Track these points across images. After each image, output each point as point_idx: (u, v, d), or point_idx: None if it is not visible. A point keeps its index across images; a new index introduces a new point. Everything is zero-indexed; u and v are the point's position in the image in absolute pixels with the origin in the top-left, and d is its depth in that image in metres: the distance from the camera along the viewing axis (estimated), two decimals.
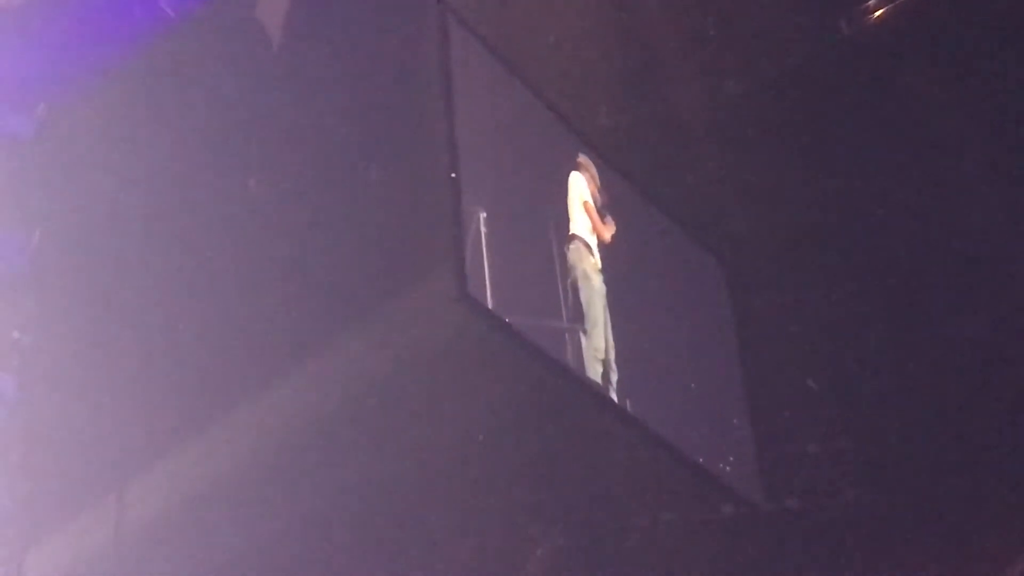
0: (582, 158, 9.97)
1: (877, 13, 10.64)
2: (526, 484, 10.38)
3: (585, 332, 9.21)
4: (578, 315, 9.22)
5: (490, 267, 8.52)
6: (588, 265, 9.53)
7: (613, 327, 9.46)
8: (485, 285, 8.49)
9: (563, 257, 9.41)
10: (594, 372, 9.20)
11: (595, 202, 9.82)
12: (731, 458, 10.22)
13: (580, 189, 9.75)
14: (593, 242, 9.63)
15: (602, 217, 9.78)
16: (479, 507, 10.23)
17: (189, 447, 10.16)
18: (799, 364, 10.64)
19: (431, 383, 10.05)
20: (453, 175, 8.77)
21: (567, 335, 9.11)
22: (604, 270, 9.61)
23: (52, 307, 10.33)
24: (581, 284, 9.37)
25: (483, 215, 8.62)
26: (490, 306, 8.52)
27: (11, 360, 10.27)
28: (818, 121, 10.90)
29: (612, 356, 9.36)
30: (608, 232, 9.75)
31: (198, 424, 10.18)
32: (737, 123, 11.03)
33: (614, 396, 9.34)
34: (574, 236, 9.55)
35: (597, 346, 9.24)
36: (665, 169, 11.02)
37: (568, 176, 9.79)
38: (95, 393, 10.36)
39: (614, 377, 9.33)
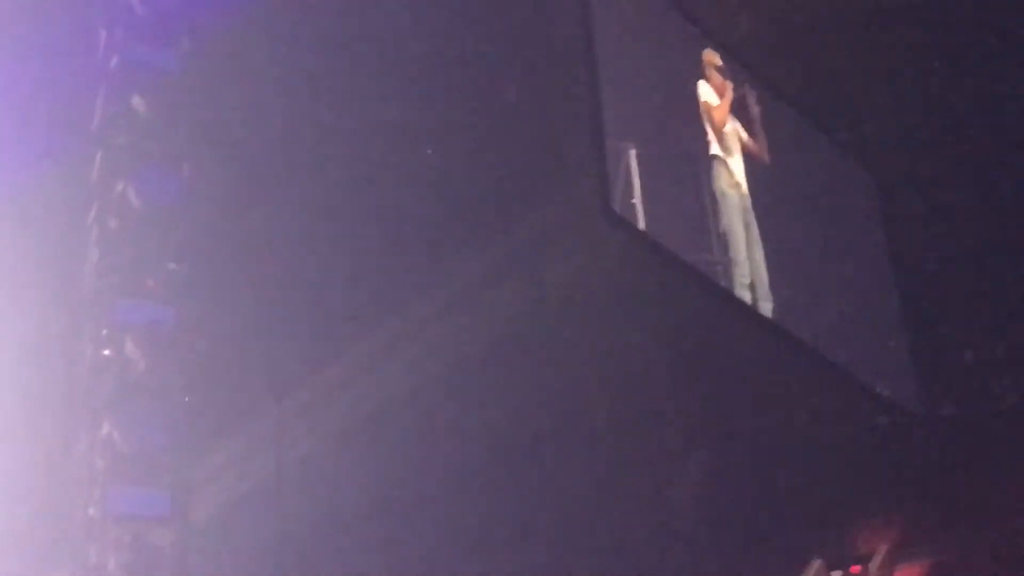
0: (709, 55, 9.73)
1: None
2: (675, 399, 10.35)
3: (732, 260, 9.08)
4: (723, 243, 9.10)
5: (641, 193, 8.42)
6: (725, 184, 9.36)
7: (762, 243, 9.31)
8: (636, 211, 8.41)
9: (706, 178, 9.27)
10: (743, 297, 9.09)
11: (734, 112, 9.62)
12: (886, 368, 10.08)
13: (710, 101, 9.56)
14: (730, 157, 9.45)
15: (744, 128, 9.59)
16: (630, 423, 10.23)
17: (343, 372, 10.30)
18: (953, 274, 10.42)
19: (577, 303, 10.03)
20: (593, 87, 8.65)
21: (719, 268, 9.00)
22: (747, 185, 9.45)
23: (204, 239, 10.50)
24: (721, 207, 9.22)
25: (633, 151, 8.50)
26: (641, 227, 8.44)
27: (168, 291, 10.46)
28: (971, 28, 10.57)
29: (764, 277, 9.23)
30: (746, 144, 9.56)
31: (350, 348, 10.31)
32: (888, 30, 10.74)
33: (765, 313, 9.22)
34: (712, 155, 9.39)
35: (743, 272, 9.12)
36: (811, 78, 10.79)
37: (698, 86, 9.58)
38: (250, 320, 10.54)
39: (764, 295, 9.21)
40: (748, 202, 9.37)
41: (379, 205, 10.48)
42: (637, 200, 8.38)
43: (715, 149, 9.38)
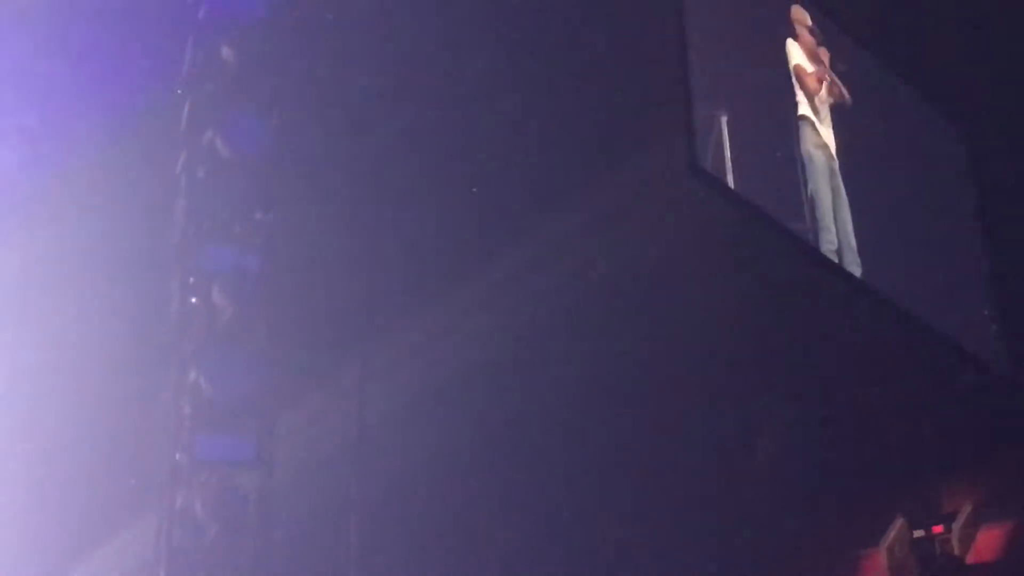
0: (798, 12, 9.66)
1: None
2: (762, 357, 10.34)
3: (819, 224, 9.04)
4: (810, 205, 9.05)
5: (732, 160, 8.40)
6: (812, 145, 9.30)
7: (849, 203, 9.27)
8: (727, 175, 8.39)
9: (795, 140, 9.22)
10: (829, 253, 9.06)
11: (821, 67, 9.54)
12: (973, 327, 10.04)
13: (802, 64, 9.49)
14: (818, 117, 9.38)
15: (828, 82, 9.51)
16: (715, 382, 10.24)
17: (431, 324, 10.33)
18: None
19: (665, 262, 10.02)
20: (682, 44, 8.62)
21: (809, 235, 8.96)
22: (834, 145, 9.39)
23: (291, 188, 10.53)
24: (808, 169, 9.17)
25: (724, 118, 8.48)
26: (731, 185, 8.43)
27: (255, 240, 10.51)
28: None
29: (851, 238, 9.19)
30: (834, 103, 9.49)
31: (438, 300, 10.34)
32: None
33: (853, 272, 9.19)
34: (800, 115, 9.33)
35: (829, 237, 9.08)
36: (901, 34, 10.67)
37: (786, 45, 9.51)
38: (336, 269, 10.58)
39: (851, 259, 9.17)
40: (835, 164, 9.32)
41: (470, 158, 10.48)
42: (728, 165, 8.37)
43: (803, 109, 9.33)
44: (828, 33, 9.79)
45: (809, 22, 9.65)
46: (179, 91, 10.43)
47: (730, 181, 8.38)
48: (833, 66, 9.63)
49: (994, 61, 10.49)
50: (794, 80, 9.43)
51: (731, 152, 8.37)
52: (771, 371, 10.37)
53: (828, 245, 9.08)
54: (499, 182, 10.54)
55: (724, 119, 8.45)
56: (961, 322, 10.09)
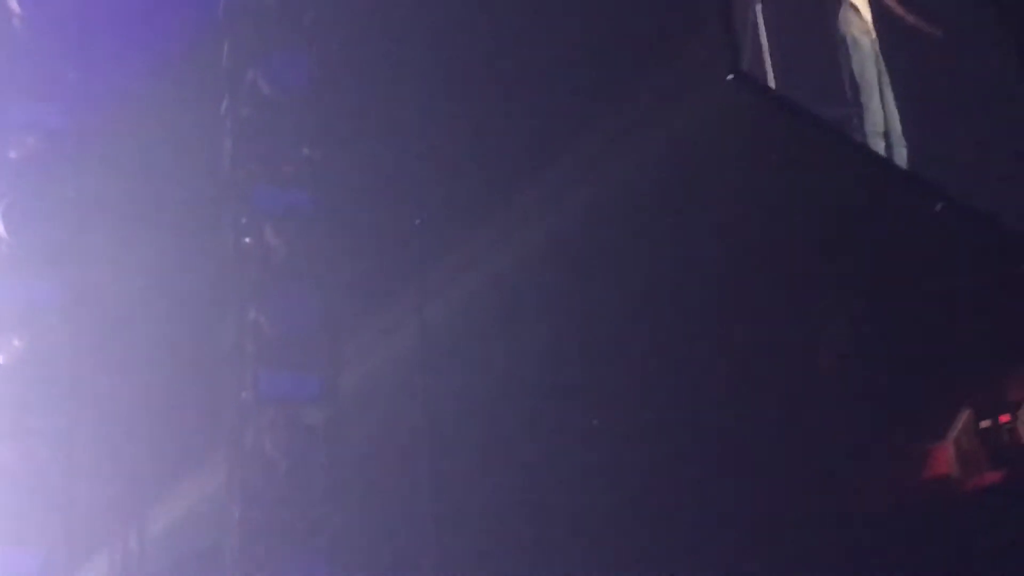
0: None
1: None
2: (814, 257, 10.27)
3: (864, 107, 8.96)
4: (855, 89, 8.96)
5: (769, 48, 8.34)
6: (856, 29, 9.18)
7: (894, 91, 9.16)
8: (764, 65, 8.33)
9: (837, 27, 9.12)
10: (876, 147, 8.97)
11: None
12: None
13: None
14: (861, 2, 9.28)
15: None
16: (768, 280, 10.19)
17: (483, 245, 10.35)
18: None
19: (703, 160, 9.96)
20: None
21: (854, 119, 8.88)
22: (878, 30, 9.28)
23: (337, 123, 10.57)
24: (852, 53, 9.06)
25: (759, 5, 8.39)
26: (772, 85, 8.36)
27: (304, 177, 10.57)
28: None
29: (896, 124, 9.09)
30: None
31: (488, 221, 10.35)
32: None
33: (900, 160, 9.10)
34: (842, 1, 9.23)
35: (876, 120, 8.99)
36: None
37: None
38: (387, 199, 10.62)
39: (897, 140, 9.07)
40: (879, 46, 9.23)
41: (511, 77, 10.45)
42: (765, 54, 8.30)
43: None
44: None
45: None
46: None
47: (768, 71, 8.30)
48: None
49: None
50: None
51: (768, 38, 8.30)
52: (829, 269, 10.31)
53: (875, 127, 8.99)
54: (538, 95, 10.51)
55: (759, 7, 8.38)
56: (1015, 206, 9.95)
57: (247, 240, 10.48)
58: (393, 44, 10.75)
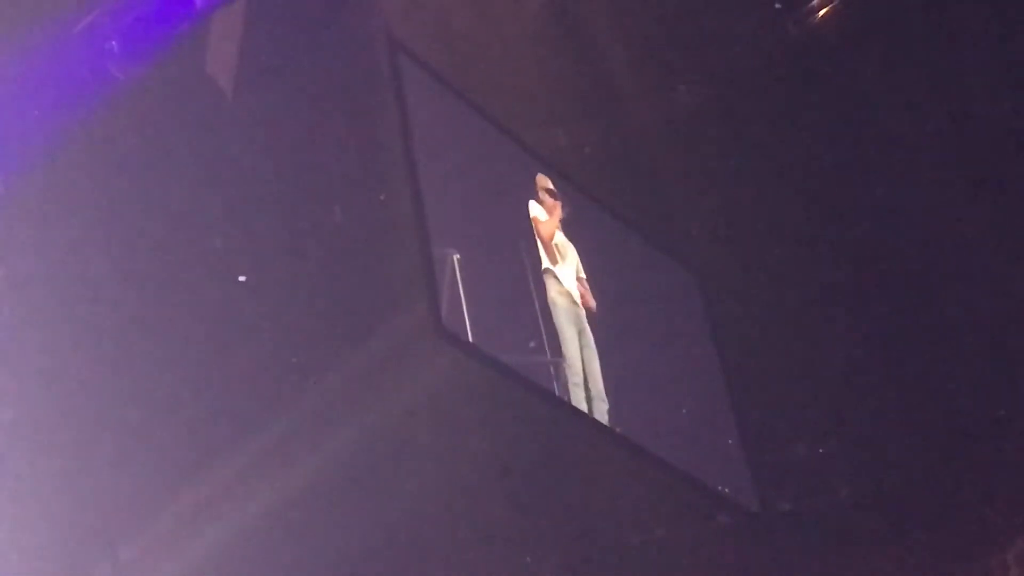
0: (541, 179, 10.01)
1: (822, 12, 10.74)
2: (516, 515, 10.32)
3: (563, 356, 9.23)
4: (555, 345, 9.25)
5: (468, 304, 8.53)
6: (555, 292, 9.60)
7: (598, 352, 9.49)
8: (464, 320, 8.50)
9: (537, 285, 9.43)
10: (577, 400, 9.21)
11: (558, 224, 9.87)
12: (723, 468, 10.24)
13: (538, 216, 9.82)
14: (561, 269, 9.68)
15: (562, 240, 9.85)
16: (470, 544, 10.16)
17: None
18: (779, 368, 10.66)
19: (413, 425, 9.96)
20: (417, 208, 8.76)
21: (552, 368, 9.12)
22: (577, 293, 9.64)
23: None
24: (552, 311, 9.42)
25: (456, 256, 8.63)
26: (470, 339, 8.52)
27: None
28: (775, 123, 10.97)
29: (598, 381, 9.38)
30: (567, 256, 9.83)
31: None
32: (693, 131, 11.10)
33: (603, 420, 9.35)
34: (544, 269, 9.61)
35: (575, 372, 9.27)
36: (627, 183, 11.06)
37: (528, 204, 9.83)
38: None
39: (600, 403, 9.35)
40: (581, 311, 9.57)
41: (204, 346, 10.29)
42: (463, 305, 8.49)
43: (546, 263, 9.61)
44: (567, 194, 10.13)
45: (549, 185, 10.02)
46: None
47: (467, 319, 8.48)
48: (572, 223, 9.96)
49: (715, 201, 10.93)
50: (536, 237, 9.73)
51: (465, 291, 8.50)
52: (529, 527, 10.36)
53: (574, 378, 9.27)
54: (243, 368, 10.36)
55: (456, 257, 8.59)
56: (712, 463, 10.28)
57: None
58: (85, 303, 10.51)
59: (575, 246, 9.92)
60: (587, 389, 9.31)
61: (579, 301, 9.64)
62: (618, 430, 9.47)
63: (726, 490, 10.21)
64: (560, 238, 9.83)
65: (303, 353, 9.94)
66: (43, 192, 10.26)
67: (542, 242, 9.70)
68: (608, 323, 9.78)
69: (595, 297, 9.83)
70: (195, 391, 10.18)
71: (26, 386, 9.85)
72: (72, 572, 9.96)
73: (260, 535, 9.73)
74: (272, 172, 10.54)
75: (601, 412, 9.35)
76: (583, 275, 9.94)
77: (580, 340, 9.48)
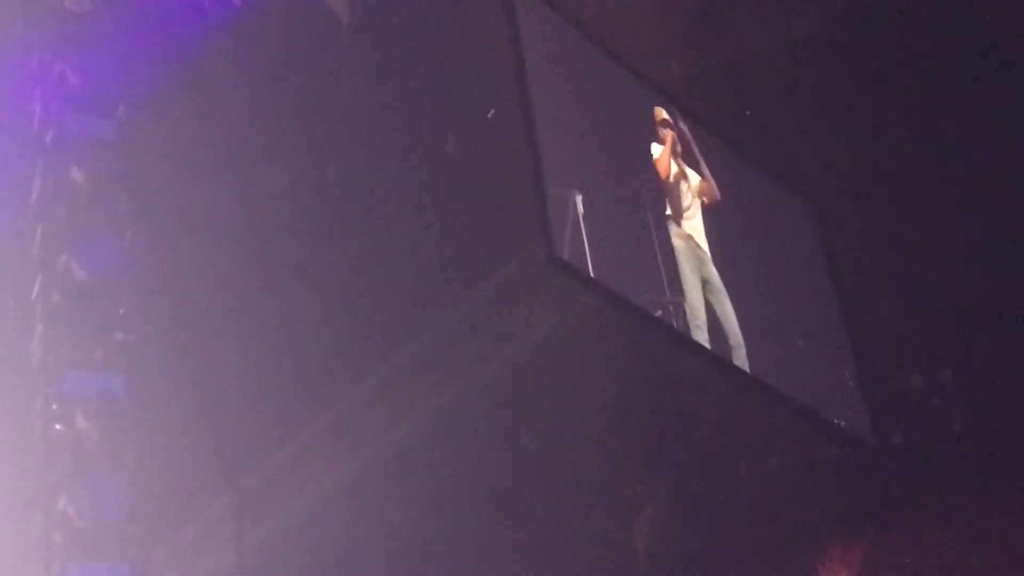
0: (658, 111, 9.93)
1: None
2: (629, 444, 10.42)
3: (684, 300, 9.22)
4: (675, 285, 9.23)
5: (589, 243, 8.52)
6: (675, 236, 9.55)
7: (717, 288, 9.48)
8: (586, 258, 8.50)
9: (657, 226, 9.41)
10: (698, 336, 9.21)
11: (677, 157, 9.80)
12: (838, 400, 10.22)
13: (657, 153, 9.74)
14: (681, 212, 9.63)
15: (683, 173, 9.78)
16: (583, 472, 10.28)
17: (301, 447, 10.24)
18: (895, 298, 10.59)
19: (532, 357, 10.05)
20: (531, 140, 8.75)
21: (671, 307, 9.12)
22: (703, 234, 9.62)
23: (151, 307, 10.41)
24: (675, 254, 9.40)
25: (578, 196, 8.62)
26: (591, 274, 8.52)
27: (118, 360, 10.35)
28: (891, 52, 10.83)
29: (732, 323, 9.37)
30: (700, 195, 9.76)
31: (305, 424, 10.25)
32: (807, 61, 11.00)
33: (723, 353, 9.36)
34: (666, 214, 9.57)
35: (697, 316, 9.25)
36: (742, 113, 10.98)
37: (648, 141, 9.77)
38: (204, 390, 10.47)
39: (722, 339, 9.35)
40: (703, 253, 9.54)
41: (333, 271, 10.45)
42: (585, 245, 8.49)
43: (667, 206, 9.57)
44: (687, 127, 10.06)
45: (667, 117, 9.93)
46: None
47: (588, 258, 8.49)
48: (695, 159, 9.89)
49: (831, 131, 10.82)
50: (657, 177, 9.68)
51: (587, 230, 8.51)
52: (641, 454, 10.47)
53: (696, 321, 9.26)
54: (361, 297, 10.52)
55: (579, 198, 8.59)
56: (828, 395, 10.27)
57: (57, 427, 10.20)
58: (209, 229, 10.70)
59: (691, 181, 9.84)
60: (711, 332, 9.30)
61: (702, 242, 9.59)
62: (736, 363, 9.45)
63: (841, 422, 10.20)
64: (678, 173, 9.76)
65: (424, 290, 10.09)
66: (163, 122, 10.46)
67: (662, 180, 9.65)
68: (725, 256, 9.73)
69: (719, 233, 9.77)
70: (321, 321, 10.40)
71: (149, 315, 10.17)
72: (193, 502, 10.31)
73: (407, 449, 9.95)
74: (387, 100, 10.63)
75: (741, 358, 9.37)
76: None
77: (710, 284, 9.45)
